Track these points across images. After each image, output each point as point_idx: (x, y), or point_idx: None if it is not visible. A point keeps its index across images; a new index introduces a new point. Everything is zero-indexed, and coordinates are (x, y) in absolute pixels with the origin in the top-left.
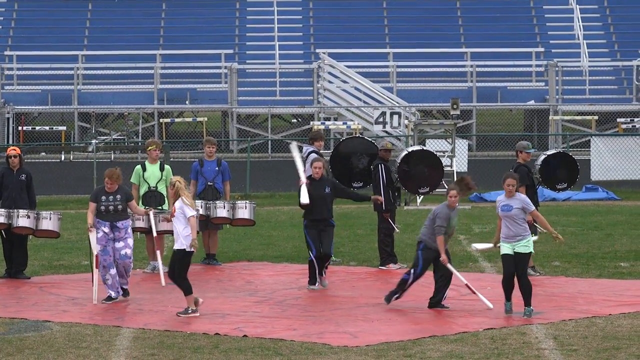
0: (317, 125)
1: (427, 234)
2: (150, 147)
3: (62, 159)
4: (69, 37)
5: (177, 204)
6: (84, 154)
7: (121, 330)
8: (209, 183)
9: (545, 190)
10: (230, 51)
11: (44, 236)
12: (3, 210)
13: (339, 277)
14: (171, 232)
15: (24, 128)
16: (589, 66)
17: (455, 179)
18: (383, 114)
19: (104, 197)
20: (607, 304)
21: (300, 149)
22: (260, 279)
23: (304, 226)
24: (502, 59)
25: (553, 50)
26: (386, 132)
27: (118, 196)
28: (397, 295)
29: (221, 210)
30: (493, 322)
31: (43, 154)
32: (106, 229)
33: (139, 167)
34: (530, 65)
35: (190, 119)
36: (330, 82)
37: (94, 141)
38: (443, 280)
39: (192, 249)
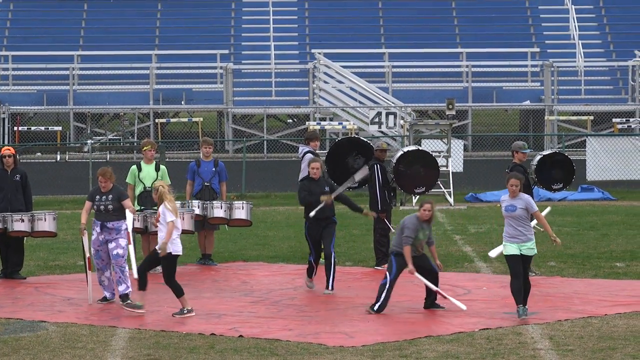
0: (312, 125)
1: (397, 243)
2: (145, 148)
3: (58, 159)
4: (64, 37)
5: (161, 208)
6: (79, 154)
7: (117, 330)
8: (205, 183)
9: (540, 191)
10: (226, 51)
11: (41, 236)
12: None
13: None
14: None
15: (20, 128)
16: (585, 66)
17: (451, 179)
18: (379, 114)
19: (97, 197)
20: (603, 304)
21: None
22: (256, 279)
23: (305, 226)
24: (498, 59)
25: (548, 51)
26: (382, 132)
27: (110, 196)
28: (379, 303)
29: (218, 210)
30: (489, 322)
31: (39, 154)
32: (98, 229)
33: (134, 167)
34: (526, 66)
35: (185, 119)
36: (325, 82)
37: (89, 141)
38: (430, 281)
39: (162, 252)
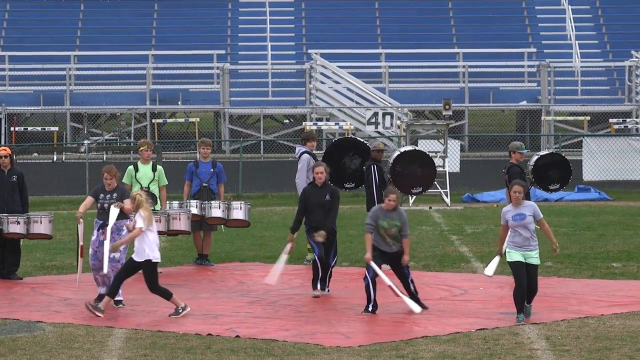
0: (309, 125)
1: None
2: (142, 148)
3: (55, 159)
4: (61, 38)
5: (141, 212)
6: (76, 154)
7: (113, 330)
8: (203, 184)
9: (537, 191)
10: (223, 52)
11: (36, 238)
12: None
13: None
14: (163, 233)
15: (16, 129)
16: (581, 67)
17: (447, 179)
18: (375, 114)
19: (101, 195)
20: (600, 304)
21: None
22: (252, 280)
23: (306, 231)
24: (495, 60)
25: (545, 51)
26: (378, 132)
27: (114, 194)
28: (372, 304)
29: (216, 210)
30: (485, 323)
31: (35, 154)
32: (98, 229)
33: (131, 167)
34: (523, 66)
35: (182, 120)
36: (322, 82)
37: (86, 142)
38: (401, 278)
39: (112, 249)
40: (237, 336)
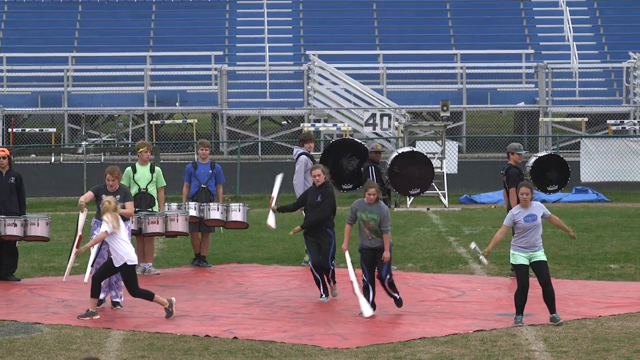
0: (307, 127)
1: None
2: (141, 149)
3: (52, 160)
4: (59, 39)
5: (104, 218)
6: (74, 155)
7: (111, 332)
8: (202, 186)
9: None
10: (220, 53)
11: (33, 240)
12: None
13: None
14: (160, 234)
15: (14, 130)
16: (579, 68)
17: (445, 180)
18: (373, 115)
19: (103, 195)
20: (597, 305)
21: None
22: (250, 281)
23: (304, 233)
24: (492, 61)
25: (543, 52)
26: (376, 133)
27: (118, 196)
28: (395, 295)
29: (215, 212)
30: (483, 324)
31: (33, 155)
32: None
33: (129, 168)
34: (520, 67)
35: (180, 121)
36: (320, 83)
37: (84, 143)
38: (379, 278)
39: (77, 253)
40: (235, 337)
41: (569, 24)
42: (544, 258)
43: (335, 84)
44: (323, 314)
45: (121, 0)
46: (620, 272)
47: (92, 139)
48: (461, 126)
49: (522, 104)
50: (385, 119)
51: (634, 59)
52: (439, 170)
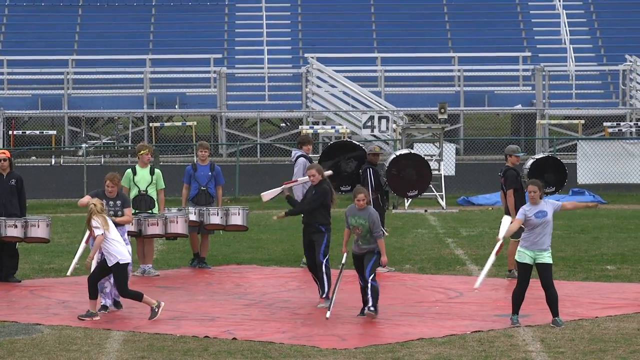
0: (305, 129)
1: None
2: (142, 151)
3: (53, 163)
4: (59, 42)
5: (93, 223)
6: (74, 158)
7: (111, 333)
8: (202, 188)
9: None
10: (219, 56)
11: (34, 242)
12: None
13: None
14: (160, 236)
15: (15, 132)
16: (576, 70)
17: (443, 182)
18: (371, 118)
19: (104, 201)
20: (594, 306)
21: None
22: (249, 282)
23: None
24: (490, 64)
25: (540, 55)
26: (374, 136)
27: (118, 202)
28: (370, 305)
29: (214, 217)
30: (481, 325)
31: (33, 158)
32: None
33: (129, 170)
34: (518, 70)
35: (179, 123)
36: (318, 86)
37: (84, 145)
38: (363, 282)
39: (85, 267)
40: (234, 338)
41: (565, 27)
42: (549, 260)
43: (333, 86)
44: (321, 315)
45: (121, 3)
46: (617, 274)
47: (92, 142)
48: (459, 128)
49: (519, 106)
50: (383, 121)
51: (630, 61)
52: (436, 172)
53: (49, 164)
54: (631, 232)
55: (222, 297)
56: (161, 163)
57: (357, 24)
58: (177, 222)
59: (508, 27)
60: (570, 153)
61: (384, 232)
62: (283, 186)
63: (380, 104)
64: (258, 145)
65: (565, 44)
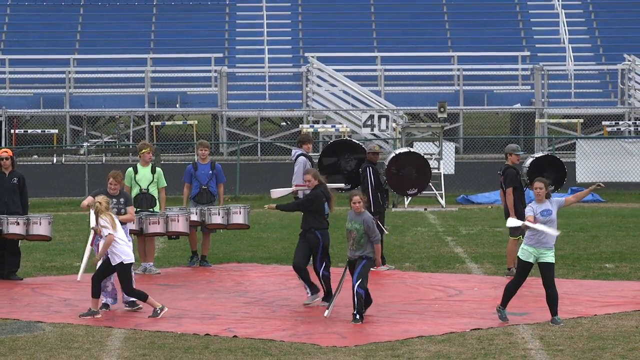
0: (306, 128)
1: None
2: (143, 150)
3: (54, 161)
4: (60, 41)
5: (101, 222)
6: (75, 156)
7: (112, 330)
8: (203, 187)
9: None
10: (220, 55)
11: (36, 240)
12: None
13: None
14: (161, 234)
15: (16, 131)
16: (575, 70)
17: (442, 181)
18: (371, 117)
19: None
20: (593, 304)
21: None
22: (250, 280)
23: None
24: (489, 63)
25: (539, 54)
26: (374, 135)
27: (121, 200)
28: (354, 312)
29: (216, 217)
30: (480, 323)
31: (35, 156)
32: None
33: (130, 169)
34: (517, 69)
35: (180, 122)
36: (319, 85)
37: (85, 144)
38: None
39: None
40: (235, 336)
41: (564, 26)
42: (552, 260)
43: (333, 85)
44: (322, 313)
45: (122, 3)
46: (615, 272)
47: (93, 140)
48: (458, 127)
49: (518, 105)
50: (383, 120)
51: (629, 60)
52: (436, 171)
53: (50, 163)
54: (630, 230)
55: (222, 295)
56: (162, 162)
57: (357, 23)
58: (178, 221)
59: (507, 27)
60: (569, 152)
61: (384, 231)
62: (294, 188)
63: (380, 103)
64: (259, 144)
65: (564, 44)
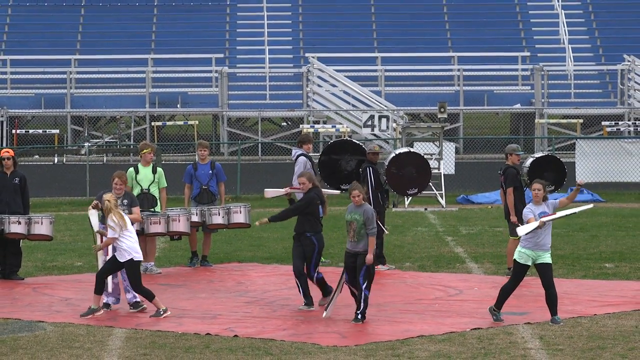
0: (306, 128)
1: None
2: (145, 150)
3: (55, 161)
4: (61, 42)
5: (109, 222)
6: (76, 156)
7: (114, 330)
8: (203, 187)
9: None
10: (221, 55)
11: (37, 239)
12: None
13: (328, 278)
14: (162, 234)
15: (18, 131)
16: (574, 70)
17: (442, 181)
18: (371, 117)
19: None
20: (592, 304)
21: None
22: (250, 280)
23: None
24: (489, 63)
25: (539, 55)
26: (374, 135)
27: (125, 201)
28: (358, 310)
29: (216, 217)
30: (480, 322)
31: (36, 156)
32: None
33: (131, 169)
34: (517, 69)
35: (181, 122)
36: (319, 85)
37: (86, 144)
38: (356, 286)
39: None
40: (236, 336)
41: (564, 27)
42: (549, 260)
43: (334, 86)
44: (322, 313)
45: (123, 3)
46: (615, 271)
47: (94, 140)
48: (458, 127)
49: (518, 105)
50: (384, 120)
51: (629, 61)
52: (436, 171)
53: (51, 163)
54: (629, 230)
55: (223, 295)
56: (163, 162)
57: (358, 23)
58: (179, 221)
59: (507, 27)
60: (568, 152)
61: (384, 230)
62: (287, 189)
63: (381, 103)
64: (259, 144)
65: (563, 44)
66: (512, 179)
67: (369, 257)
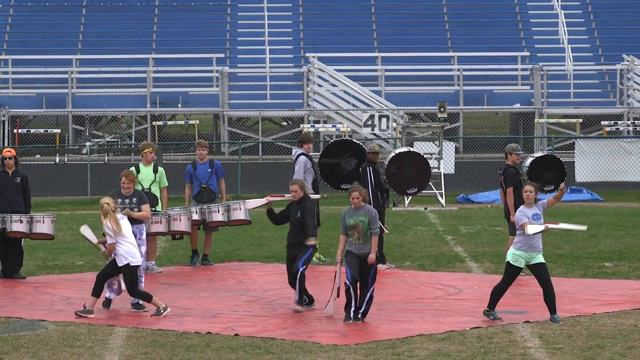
0: (306, 128)
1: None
2: (146, 150)
3: (57, 161)
4: (63, 41)
5: (105, 229)
6: (78, 156)
7: (115, 329)
8: (203, 185)
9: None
10: (222, 55)
11: (38, 238)
12: None
13: (328, 277)
14: (163, 234)
15: (19, 131)
16: (574, 70)
17: (442, 180)
18: (371, 116)
19: (119, 200)
20: (592, 303)
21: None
22: (251, 279)
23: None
24: (489, 63)
25: (538, 54)
26: (374, 134)
27: (134, 199)
28: (354, 308)
29: (216, 215)
30: (480, 321)
31: (38, 156)
32: None
33: (132, 169)
34: (516, 69)
35: (182, 122)
36: (319, 85)
37: (87, 144)
38: (361, 287)
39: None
40: (236, 334)
41: (563, 26)
42: (542, 260)
43: (334, 85)
44: (322, 312)
45: (124, 3)
46: (614, 271)
47: (95, 140)
48: (458, 127)
49: (517, 105)
50: (384, 120)
51: (628, 61)
52: (436, 170)
53: (53, 162)
54: (628, 229)
55: (224, 294)
56: (164, 161)
57: (358, 23)
58: (180, 220)
59: (507, 27)
60: (568, 151)
61: (384, 230)
62: (268, 198)
63: (381, 103)
64: (260, 144)
65: (563, 44)
66: (512, 179)
67: (372, 257)
